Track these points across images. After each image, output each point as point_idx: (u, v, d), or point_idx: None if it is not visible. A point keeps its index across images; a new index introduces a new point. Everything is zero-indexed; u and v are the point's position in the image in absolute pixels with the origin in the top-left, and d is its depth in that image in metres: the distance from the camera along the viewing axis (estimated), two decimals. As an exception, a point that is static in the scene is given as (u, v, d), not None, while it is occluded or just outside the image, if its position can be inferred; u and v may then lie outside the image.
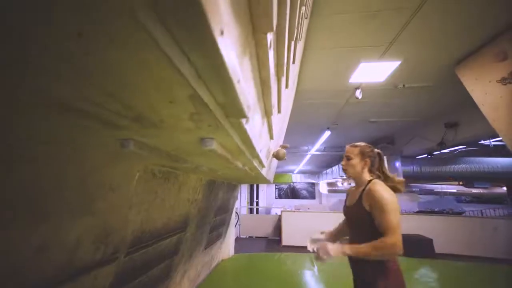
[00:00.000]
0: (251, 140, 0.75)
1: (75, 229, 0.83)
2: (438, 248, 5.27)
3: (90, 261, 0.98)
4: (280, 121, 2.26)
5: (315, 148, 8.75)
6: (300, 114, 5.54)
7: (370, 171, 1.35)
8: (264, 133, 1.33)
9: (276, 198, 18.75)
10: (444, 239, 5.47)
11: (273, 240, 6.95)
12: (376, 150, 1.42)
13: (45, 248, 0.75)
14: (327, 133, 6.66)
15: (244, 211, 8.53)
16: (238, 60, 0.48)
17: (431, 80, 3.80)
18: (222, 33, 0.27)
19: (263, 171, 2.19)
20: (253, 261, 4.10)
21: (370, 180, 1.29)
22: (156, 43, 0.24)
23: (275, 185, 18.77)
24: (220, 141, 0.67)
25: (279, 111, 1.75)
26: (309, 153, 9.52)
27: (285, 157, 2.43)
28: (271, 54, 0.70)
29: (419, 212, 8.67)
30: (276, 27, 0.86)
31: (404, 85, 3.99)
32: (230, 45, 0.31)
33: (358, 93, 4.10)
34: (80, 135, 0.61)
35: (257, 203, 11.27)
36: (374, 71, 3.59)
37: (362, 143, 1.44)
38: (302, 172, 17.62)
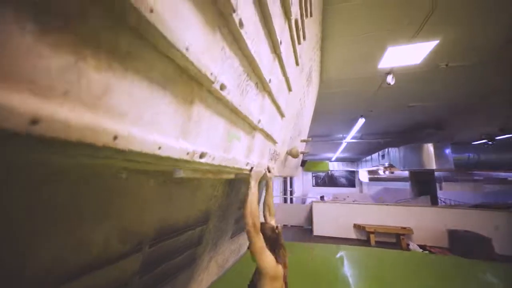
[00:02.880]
0: (222, 164, 0.87)
1: (102, 230, 1.09)
2: (501, 249, 4.58)
3: (119, 252, 1.26)
4: (291, 122, 2.28)
5: (350, 136, 8.29)
6: (329, 103, 5.32)
7: None
8: (258, 144, 1.42)
9: (313, 186, 18.51)
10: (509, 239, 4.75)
11: (306, 230, 7.04)
12: None
13: (81, 244, 1.02)
14: (361, 121, 6.25)
15: (277, 200, 8.76)
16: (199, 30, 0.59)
17: (481, 56, 3.22)
18: (151, 10, 0.39)
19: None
20: (280, 250, 4.27)
21: None
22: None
23: (312, 173, 18.49)
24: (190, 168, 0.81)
25: (283, 116, 1.80)
26: (344, 141, 9.07)
27: (299, 155, 2.47)
28: (246, 31, 0.77)
29: (477, 206, 7.58)
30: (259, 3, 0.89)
31: (447, 64, 3.48)
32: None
33: (390, 79, 3.74)
34: (91, 167, 0.81)
35: (291, 192, 11.30)
36: (407, 54, 3.22)
37: None
38: (340, 160, 16.87)
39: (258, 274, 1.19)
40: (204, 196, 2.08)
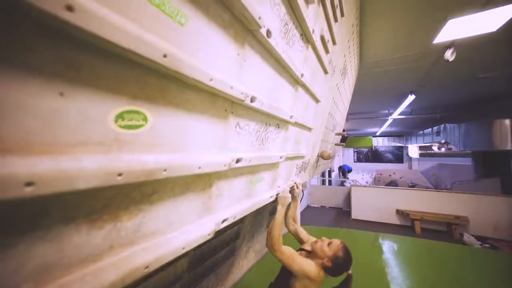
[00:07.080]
0: (246, 214, 0.96)
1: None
2: None
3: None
4: (322, 126, 2.19)
5: (397, 113, 7.44)
6: (372, 82, 4.82)
7: None
8: (284, 169, 1.45)
9: (354, 161, 17.76)
10: None
11: (344, 212, 6.97)
12: None
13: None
14: (411, 98, 5.51)
15: (314, 181, 8.74)
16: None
17: None
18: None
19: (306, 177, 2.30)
20: (315, 234, 4.37)
21: None
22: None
23: (354, 149, 17.59)
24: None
25: (310, 130, 1.76)
26: (390, 118, 8.21)
27: (330, 157, 2.42)
28: (274, 40, 0.79)
29: None
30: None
31: (534, 29, 2.73)
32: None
33: (449, 54, 3.14)
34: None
35: (329, 173, 11.00)
36: (477, 23, 2.63)
37: None
38: (385, 135, 15.47)
39: (294, 277, 1.24)
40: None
